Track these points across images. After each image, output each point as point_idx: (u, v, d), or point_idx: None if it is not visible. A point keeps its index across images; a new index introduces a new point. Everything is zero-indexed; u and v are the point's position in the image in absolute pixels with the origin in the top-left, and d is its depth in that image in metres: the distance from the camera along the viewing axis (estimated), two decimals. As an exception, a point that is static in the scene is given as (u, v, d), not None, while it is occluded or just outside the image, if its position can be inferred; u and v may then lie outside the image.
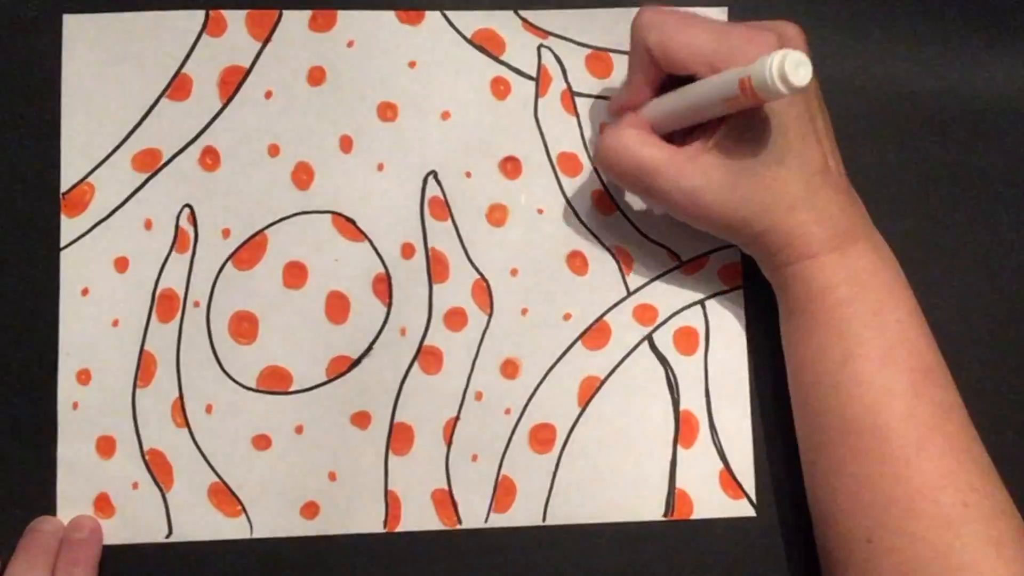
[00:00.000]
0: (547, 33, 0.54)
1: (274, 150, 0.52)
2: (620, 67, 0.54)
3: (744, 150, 0.45)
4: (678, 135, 0.48)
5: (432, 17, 0.53)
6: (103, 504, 0.50)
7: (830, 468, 0.46)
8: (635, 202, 0.53)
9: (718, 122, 0.45)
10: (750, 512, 0.52)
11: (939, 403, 0.45)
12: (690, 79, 0.45)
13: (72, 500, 0.50)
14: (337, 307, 0.52)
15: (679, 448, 0.52)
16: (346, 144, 0.52)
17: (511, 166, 0.53)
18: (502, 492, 0.51)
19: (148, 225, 0.52)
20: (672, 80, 0.47)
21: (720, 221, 0.46)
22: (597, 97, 0.54)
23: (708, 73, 0.44)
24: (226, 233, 0.52)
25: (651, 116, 0.48)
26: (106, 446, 0.50)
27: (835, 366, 0.45)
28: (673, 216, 0.48)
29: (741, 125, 0.45)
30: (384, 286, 0.52)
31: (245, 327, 0.51)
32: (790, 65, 0.39)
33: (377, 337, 0.52)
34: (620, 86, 0.51)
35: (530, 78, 0.54)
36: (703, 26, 0.45)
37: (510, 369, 0.52)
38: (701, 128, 0.46)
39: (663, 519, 0.52)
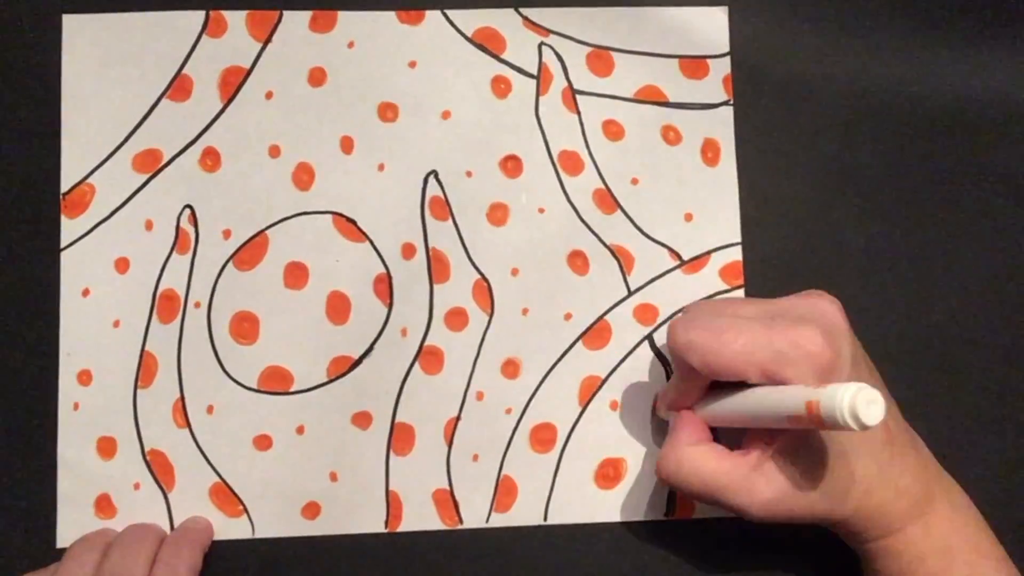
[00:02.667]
0: (548, 31, 0.54)
1: (275, 151, 0.52)
2: (621, 65, 0.54)
3: (808, 451, 0.44)
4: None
5: (432, 16, 0.53)
6: (104, 505, 0.50)
7: None
8: (636, 201, 0.53)
9: None
10: (751, 512, 0.52)
11: None
12: None
13: (73, 501, 0.50)
14: (338, 307, 0.52)
15: (680, 448, 0.52)
16: (347, 144, 0.52)
17: (512, 165, 0.53)
18: (503, 492, 0.51)
19: (149, 226, 0.52)
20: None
21: (797, 519, 0.45)
22: (599, 95, 0.54)
23: (760, 378, 0.42)
24: (227, 234, 0.52)
25: (705, 415, 0.47)
26: (107, 447, 0.51)
27: None
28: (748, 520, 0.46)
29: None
30: (385, 286, 0.52)
31: (246, 327, 0.51)
32: (862, 403, 0.37)
33: (378, 337, 0.52)
34: (668, 384, 0.49)
35: (531, 76, 0.54)
36: (740, 330, 0.43)
37: (511, 369, 0.52)
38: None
39: (664, 519, 0.52)
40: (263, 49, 0.53)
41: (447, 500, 0.51)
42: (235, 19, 0.53)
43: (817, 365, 0.41)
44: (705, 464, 0.45)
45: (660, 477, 0.46)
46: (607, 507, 0.52)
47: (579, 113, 0.54)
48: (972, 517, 0.47)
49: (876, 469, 0.44)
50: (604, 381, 0.52)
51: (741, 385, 0.44)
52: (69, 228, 0.51)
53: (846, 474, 0.44)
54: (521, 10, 0.54)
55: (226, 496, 0.51)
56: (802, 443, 0.44)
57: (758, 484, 0.44)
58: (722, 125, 0.54)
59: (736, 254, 0.53)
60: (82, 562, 0.46)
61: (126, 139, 0.52)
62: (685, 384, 0.46)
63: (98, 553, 0.47)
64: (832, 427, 0.38)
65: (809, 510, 0.44)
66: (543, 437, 0.52)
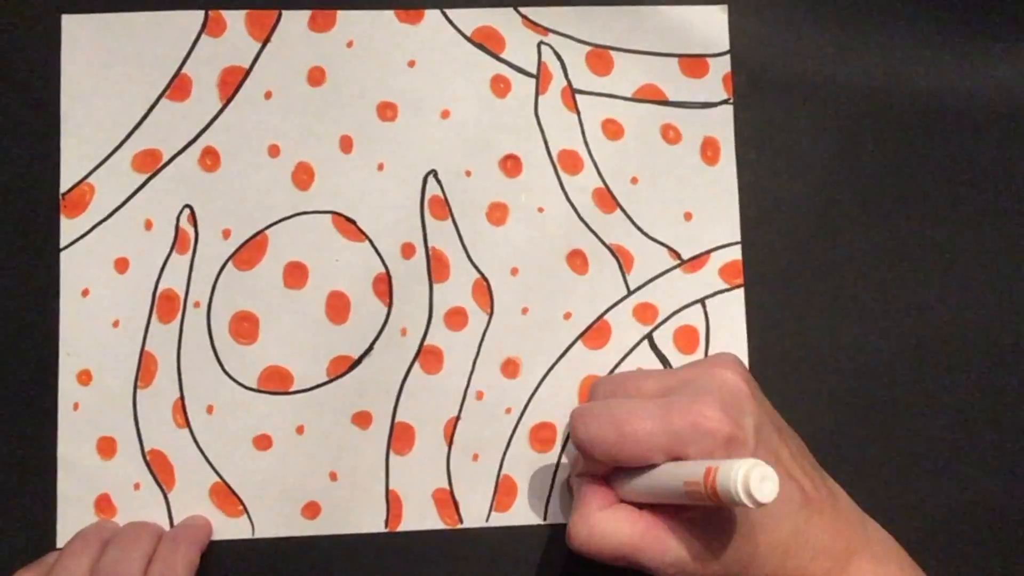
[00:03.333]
0: (547, 30, 0.54)
1: (274, 150, 0.52)
2: (621, 64, 0.54)
3: (722, 513, 0.43)
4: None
5: (431, 15, 0.53)
6: (104, 505, 0.50)
7: None
8: (636, 201, 0.53)
9: None
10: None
11: None
12: None
13: (73, 501, 0.50)
14: (337, 307, 0.52)
15: (680, 447, 0.52)
16: (346, 144, 0.52)
17: (511, 164, 0.53)
18: (503, 491, 0.51)
19: (148, 226, 0.52)
20: None
21: None
22: (598, 94, 0.54)
23: (665, 460, 0.42)
24: (226, 233, 0.52)
25: (616, 487, 0.46)
26: (107, 447, 0.51)
27: None
28: None
29: None
30: (384, 286, 0.52)
31: (245, 327, 0.51)
32: (755, 480, 0.37)
33: (378, 337, 0.52)
34: (578, 463, 0.48)
35: (530, 76, 0.54)
36: (640, 415, 0.42)
37: (511, 368, 0.52)
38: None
39: (664, 518, 0.52)
40: (262, 49, 0.53)
41: (447, 500, 0.51)
42: (234, 19, 0.53)
43: (718, 441, 0.41)
44: (618, 528, 0.43)
45: (572, 545, 0.44)
46: (607, 506, 0.52)
47: (578, 112, 0.54)
48: (896, 566, 0.46)
49: (792, 532, 0.43)
50: (604, 380, 0.52)
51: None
52: (68, 228, 0.51)
53: (763, 539, 0.43)
54: (520, 9, 0.54)
55: (226, 496, 0.51)
56: (720, 508, 0.43)
57: (671, 544, 0.43)
58: (722, 124, 0.54)
59: (736, 253, 0.53)
60: (79, 559, 0.46)
61: (125, 139, 0.52)
62: (594, 467, 0.46)
63: (95, 550, 0.47)
64: (729, 504, 0.38)
65: (723, 572, 0.43)
66: (543, 436, 0.52)
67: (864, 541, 0.46)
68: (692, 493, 0.40)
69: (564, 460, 0.52)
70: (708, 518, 0.43)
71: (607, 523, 0.44)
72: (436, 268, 0.52)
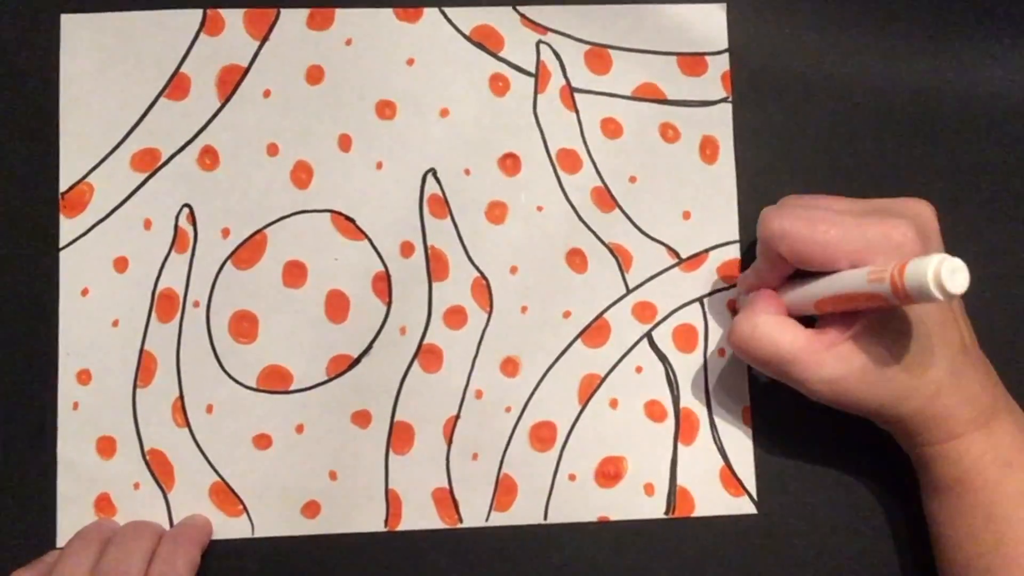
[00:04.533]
0: (546, 29, 0.54)
1: (273, 149, 0.52)
2: (619, 63, 0.54)
3: (886, 339, 0.44)
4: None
5: (430, 14, 0.53)
6: (104, 504, 0.50)
7: None
8: (635, 199, 0.53)
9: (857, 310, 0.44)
10: (751, 509, 0.52)
11: None
12: None
13: (73, 500, 0.50)
14: (337, 306, 0.52)
15: (680, 446, 0.52)
16: (345, 143, 0.52)
17: (510, 163, 0.53)
18: (503, 490, 0.51)
19: (147, 225, 0.52)
20: None
21: (861, 407, 0.45)
22: (596, 93, 0.54)
23: (848, 267, 0.43)
24: (225, 232, 0.52)
25: (785, 299, 0.47)
26: (107, 446, 0.51)
27: (986, 549, 0.45)
28: (810, 398, 0.47)
29: (881, 316, 0.44)
30: (384, 285, 0.52)
31: (245, 326, 0.51)
32: (947, 271, 0.37)
33: (377, 336, 0.52)
34: (747, 273, 0.50)
35: (529, 74, 0.54)
36: (833, 222, 0.44)
37: (510, 367, 0.52)
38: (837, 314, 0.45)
39: (664, 517, 0.52)
40: (260, 47, 0.53)
41: (447, 499, 0.51)
42: (232, 17, 0.53)
43: (905, 255, 0.42)
44: (780, 333, 0.45)
45: (731, 341, 0.47)
46: (607, 505, 0.52)
47: (577, 111, 0.54)
48: None
49: (948, 372, 0.44)
50: (603, 379, 0.52)
51: (819, 275, 0.45)
52: (68, 227, 0.51)
53: (919, 371, 0.44)
54: (519, 8, 0.54)
55: (226, 495, 0.51)
56: (880, 332, 0.44)
57: (828, 361, 0.44)
58: (720, 122, 0.54)
59: (734, 252, 0.53)
60: (79, 559, 0.46)
61: (124, 138, 0.52)
62: (769, 274, 0.47)
63: (95, 550, 0.47)
64: (917, 298, 0.39)
65: (874, 399, 0.45)
66: (543, 435, 0.52)
67: (1009, 406, 0.47)
68: (873, 293, 0.40)
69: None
70: (869, 346, 0.44)
71: (771, 327, 0.45)
72: (435, 267, 0.52)
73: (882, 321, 0.44)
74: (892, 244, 0.42)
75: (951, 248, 0.46)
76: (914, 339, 0.44)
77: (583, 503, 0.51)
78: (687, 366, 0.52)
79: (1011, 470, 0.45)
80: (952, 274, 0.38)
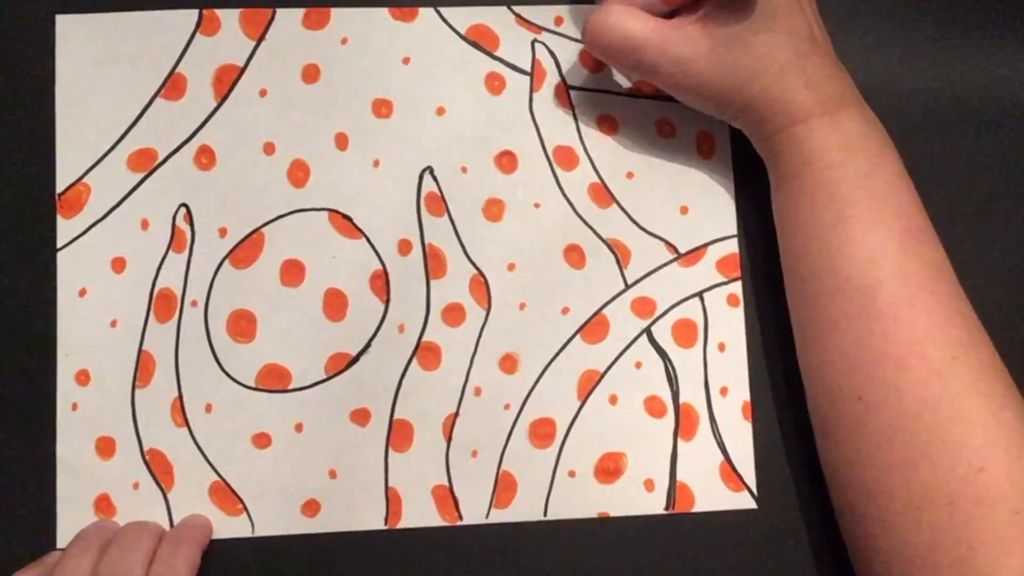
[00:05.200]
0: (541, 28, 0.54)
1: (269, 148, 0.52)
2: (615, 60, 0.54)
3: (731, 19, 0.46)
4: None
5: (425, 13, 0.53)
6: (104, 505, 0.50)
7: (821, 330, 0.47)
8: (632, 195, 0.53)
9: None
10: (751, 504, 0.52)
11: (928, 261, 0.45)
12: None
13: (72, 501, 0.50)
14: (335, 304, 0.52)
15: (679, 441, 0.52)
16: (341, 141, 0.52)
17: (507, 161, 0.53)
18: (503, 487, 0.51)
19: (144, 225, 0.52)
20: None
21: (709, 90, 0.47)
22: (592, 91, 0.54)
23: None
24: (223, 232, 0.52)
25: None
26: (106, 447, 0.50)
27: (826, 228, 0.46)
28: (666, 91, 0.49)
29: None
30: (382, 283, 0.52)
31: (243, 326, 0.51)
32: None
33: (375, 334, 0.52)
34: None
35: (524, 73, 0.54)
36: None
37: (509, 364, 0.52)
38: (688, 6, 0.47)
39: (664, 512, 0.51)
40: (256, 47, 0.53)
41: (446, 496, 0.51)
42: (228, 17, 0.53)
43: None
44: (631, 21, 0.47)
45: (585, 38, 0.49)
46: (607, 501, 0.51)
47: (573, 108, 0.54)
48: (879, 129, 0.48)
49: (793, 55, 0.46)
50: (603, 375, 0.52)
51: None
52: (65, 228, 0.51)
53: (764, 51, 0.46)
54: (513, 7, 0.54)
55: (225, 495, 0.51)
56: (726, 15, 0.45)
57: (678, 42, 0.46)
58: (717, 119, 0.54)
59: (732, 246, 0.53)
60: (80, 561, 0.46)
61: (121, 138, 0.52)
62: None
63: (96, 550, 0.47)
64: None
65: (720, 80, 0.47)
66: (542, 432, 0.52)
67: (857, 99, 0.48)
68: None
69: (563, 453, 0.52)
70: (715, 27, 0.46)
71: (622, 16, 0.47)
72: (433, 265, 0.52)
73: (727, 5, 0.45)
74: None
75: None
76: (760, 22, 0.46)
77: (583, 499, 0.51)
78: (686, 361, 0.52)
79: (854, 153, 0.46)
80: None
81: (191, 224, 0.52)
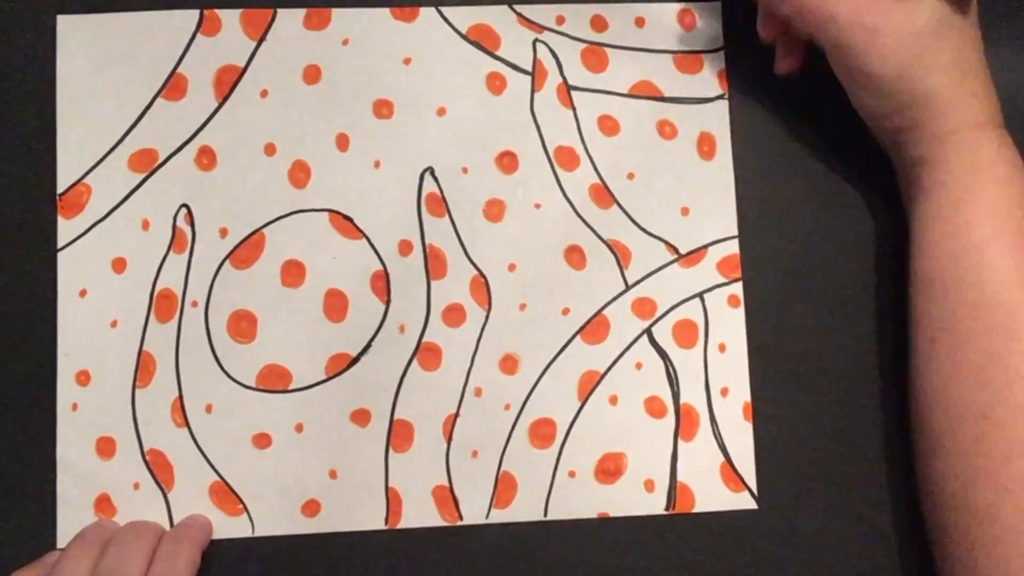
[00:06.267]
0: (542, 27, 0.54)
1: (270, 149, 0.52)
2: (615, 61, 0.54)
3: (932, 5, 0.45)
4: None
5: (427, 13, 0.53)
6: (104, 505, 0.50)
7: (955, 344, 0.46)
8: (633, 196, 0.53)
9: None
10: (752, 505, 0.52)
11: None
12: None
13: (72, 501, 0.50)
14: (335, 305, 0.52)
15: (680, 441, 0.52)
16: (342, 142, 0.52)
17: (507, 161, 0.53)
18: (503, 488, 0.51)
19: (145, 225, 0.52)
20: None
21: (891, 71, 0.46)
22: (593, 91, 0.54)
23: None
24: (223, 232, 0.52)
25: None
26: (106, 447, 0.50)
27: (982, 241, 0.45)
28: (838, 69, 0.48)
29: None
30: (382, 283, 0.52)
31: (244, 326, 0.51)
32: None
33: (376, 334, 0.52)
34: None
35: (526, 73, 0.54)
36: None
37: (509, 364, 0.52)
38: None
39: (665, 513, 0.51)
40: (257, 47, 0.53)
41: (447, 496, 0.51)
42: (229, 18, 0.53)
43: None
44: None
45: None
46: (607, 502, 0.51)
47: (574, 109, 0.54)
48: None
49: (978, 61, 0.46)
50: (603, 376, 0.52)
51: None
52: (65, 229, 0.51)
53: (956, 45, 0.46)
54: (515, 7, 0.54)
55: (226, 495, 0.51)
56: (931, 4, 0.45)
57: (874, 10, 0.45)
58: (717, 119, 0.54)
59: (733, 247, 0.53)
60: (80, 561, 0.46)
61: (122, 139, 0.52)
62: None
63: (96, 550, 0.47)
64: None
65: (907, 63, 0.46)
66: (542, 432, 0.52)
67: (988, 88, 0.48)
68: None
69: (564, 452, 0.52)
70: (916, 8, 0.45)
71: None
72: (434, 265, 0.52)
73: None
74: None
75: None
76: (958, 16, 0.45)
77: (583, 500, 0.51)
78: (687, 362, 0.52)
79: (1019, 171, 0.46)
80: None
81: (192, 224, 0.52)
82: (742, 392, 0.52)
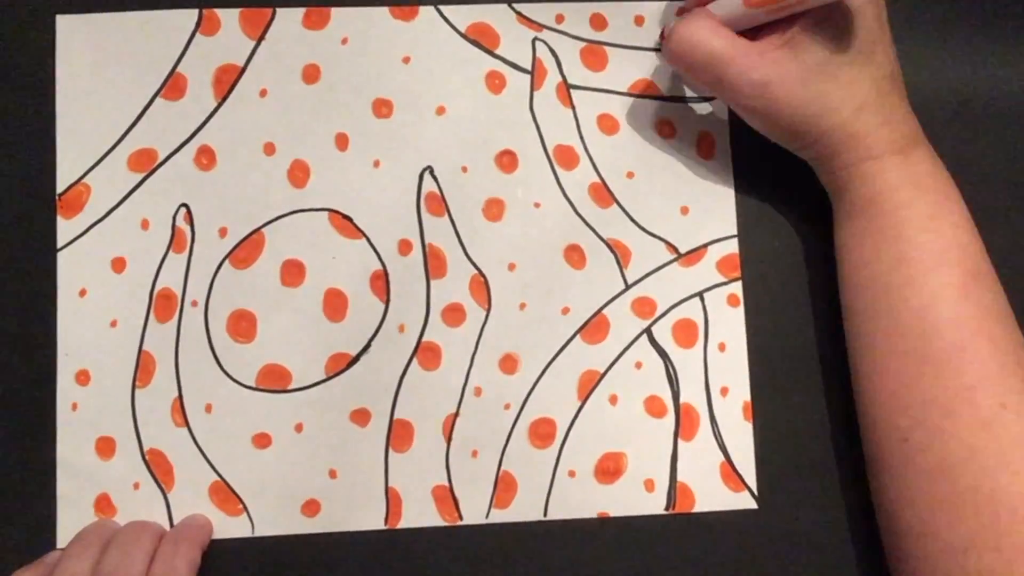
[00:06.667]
0: (541, 26, 0.54)
1: (270, 148, 0.52)
2: (615, 60, 0.54)
3: (818, 47, 0.45)
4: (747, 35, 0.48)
5: (426, 12, 0.53)
6: (104, 505, 0.50)
7: (873, 368, 0.46)
8: (632, 195, 0.53)
9: (791, 20, 0.46)
10: (752, 504, 0.52)
11: (986, 306, 0.45)
12: None
13: (72, 501, 0.50)
14: (335, 304, 0.52)
15: (680, 441, 0.52)
16: (341, 141, 0.52)
17: (507, 160, 0.53)
18: (503, 487, 0.51)
19: (145, 225, 0.52)
20: None
21: (786, 118, 0.46)
22: (593, 90, 0.54)
23: None
24: (223, 232, 0.52)
25: (722, 12, 0.48)
26: (106, 447, 0.50)
27: (888, 268, 0.46)
28: (739, 113, 0.48)
29: (816, 23, 0.45)
30: (382, 283, 0.52)
31: (243, 326, 0.51)
32: None
33: (375, 334, 0.52)
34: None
35: (525, 71, 0.54)
36: None
37: (509, 364, 0.52)
38: (771, 27, 0.47)
39: (665, 513, 0.51)
40: (256, 47, 0.53)
41: (447, 496, 0.51)
42: (228, 17, 0.53)
43: None
44: (715, 37, 0.46)
45: (668, 49, 0.48)
46: (607, 501, 0.51)
47: (574, 107, 0.54)
48: (945, 172, 0.48)
49: (875, 90, 0.46)
50: (603, 375, 0.52)
51: None
52: (65, 228, 0.51)
53: (847, 84, 0.45)
54: (514, 5, 0.54)
55: (225, 495, 0.51)
56: (812, 42, 0.45)
57: (761, 63, 0.46)
58: (717, 118, 0.54)
59: (733, 246, 0.53)
60: (80, 561, 0.46)
61: (121, 139, 0.52)
62: None
63: (96, 550, 0.47)
64: None
65: (800, 108, 0.46)
66: (542, 432, 0.52)
67: (924, 141, 0.48)
68: None
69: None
70: (801, 53, 0.45)
71: (708, 31, 0.46)
72: (433, 265, 0.52)
73: (813, 34, 0.45)
74: None
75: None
76: (843, 54, 0.45)
77: (583, 499, 0.51)
78: (687, 361, 0.52)
79: (922, 194, 0.46)
80: None
81: (191, 224, 0.52)
82: (742, 392, 0.52)
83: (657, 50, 0.54)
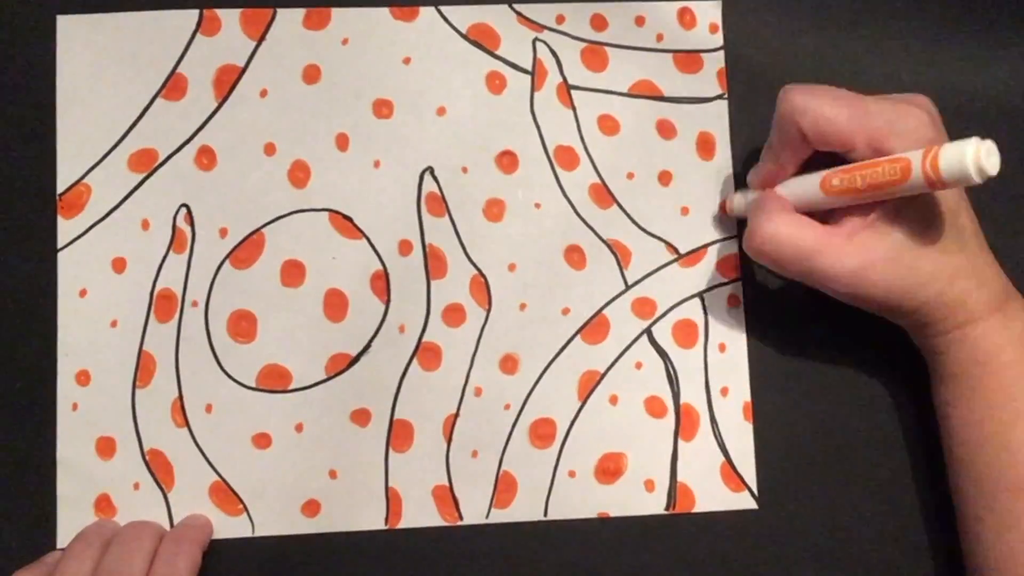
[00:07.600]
0: (542, 27, 0.54)
1: (270, 149, 0.52)
2: (615, 61, 0.54)
3: (903, 225, 0.45)
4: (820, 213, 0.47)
5: (426, 12, 0.53)
6: (104, 505, 0.50)
7: (1003, 524, 0.46)
8: (632, 196, 0.53)
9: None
10: (752, 504, 0.52)
11: None
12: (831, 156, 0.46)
13: (72, 501, 0.50)
14: (335, 305, 0.52)
15: (680, 441, 0.52)
16: (342, 142, 0.52)
17: (507, 161, 0.53)
18: (503, 487, 0.51)
19: (145, 225, 0.52)
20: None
21: (883, 296, 0.46)
22: (593, 90, 0.54)
23: (864, 147, 0.44)
24: (223, 232, 0.52)
25: (794, 194, 0.47)
26: (106, 447, 0.50)
27: (1005, 426, 0.46)
28: (832, 295, 0.47)
29: (898, 201, 0.45)
30: (382, 283, 0.52)
31: (244, 326, 0.51)
32: (985, 153, 0.39)
33: (376, 334, 0.52)
34: (762, 161, 0.49)
35: (526, 72, 0.54)
36: (853, 100, 0.45)
37: (509, 364, 0.52)
38: (850, 208, 0.46)
39: (665, 513, 0.51)
40: (257, 47, 0.53)
41: (447, 496, 0.51)
42: (229, 17, 0.53)
43: (921, 139, 0.43)
44: (801, 229, 0.45)
45: (751, 247, 0.47)
46: (607, 502, 0.51)
47: (574, 108, 0.54)
48: None
49: (964, 255, 0.45)
50: (603, 375, 0.52)
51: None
52: (65, 229, 0.51)
53: (937, 255, 0.45)
54: (515, 6, 0.54)
55: (226, 495, 0.51)
56: (896, 220, 0.45)
57: (851, 251, 0.45)
58: (717, 119, 0.54)
59: (732, 247, 0.53)
60: (81, 561, 0.46)
61: (121, 139, 0.52)
62: (784, 154, 0.47)
63: (97, 550, 0.47)
64: (949, 181, 0.40)
65: (896, 287, 0.45)
66: (542, 432, 0.52)
67: (1015, 292, 0.47)
68: (895, 182, 0.42)
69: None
70: (887, 234, 0.45)
71: (791, 225, 0.46)
72: (433, 265, 0.52)
73: (897, 209, 0.45)
74: (909, 126, 0.44)
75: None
76: (930, 225, 0.45)
77: (583, 500, 0.51)
78: (687, 362, 0.52)
79: None
80: (989, 156, 0.39)
81: (191, 224, 0.52)
82: (742, 392, 0.52)
83: (657, 50, 0.54)
